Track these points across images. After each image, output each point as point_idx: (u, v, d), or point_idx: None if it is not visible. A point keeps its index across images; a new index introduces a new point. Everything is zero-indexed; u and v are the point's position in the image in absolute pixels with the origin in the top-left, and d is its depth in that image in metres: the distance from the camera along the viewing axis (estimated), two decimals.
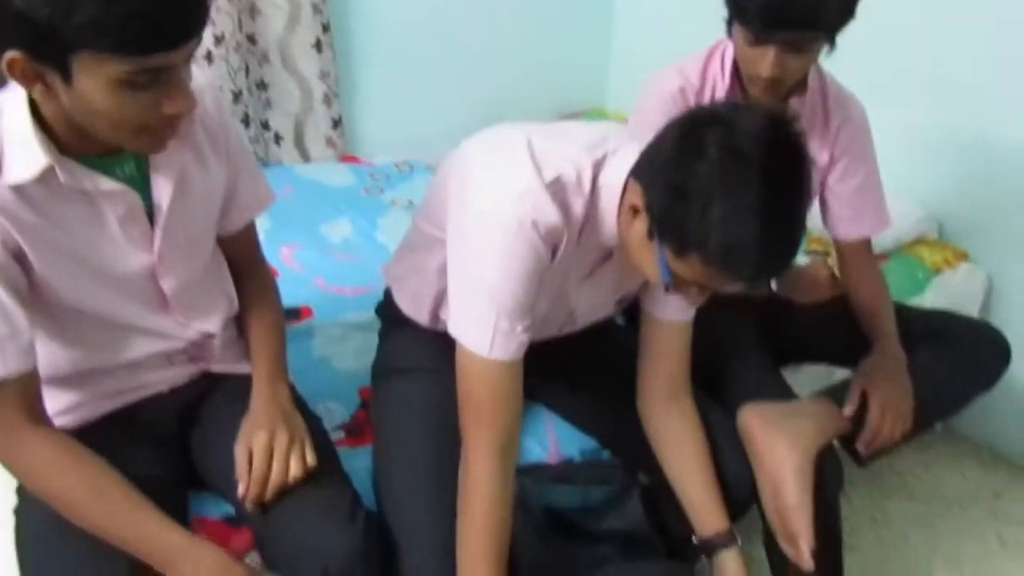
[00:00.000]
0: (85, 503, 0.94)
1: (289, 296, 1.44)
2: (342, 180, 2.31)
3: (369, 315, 1.49)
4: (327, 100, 2.36)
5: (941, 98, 2.05)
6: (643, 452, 1.26)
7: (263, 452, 1.02)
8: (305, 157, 2.42)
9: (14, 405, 0.94)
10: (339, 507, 1.04)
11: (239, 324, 1.21)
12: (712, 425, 1.27)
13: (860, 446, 1.31)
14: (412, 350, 1.28)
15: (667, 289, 1.00)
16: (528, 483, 1.24)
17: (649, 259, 0.98)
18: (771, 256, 0.90)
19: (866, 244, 1.53)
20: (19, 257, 0.92)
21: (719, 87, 1.39)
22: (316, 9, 2.23)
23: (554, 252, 1.03)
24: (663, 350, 1.22)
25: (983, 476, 2.08)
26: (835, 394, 1.34)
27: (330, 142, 2.43)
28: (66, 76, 0.81)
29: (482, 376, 1.05)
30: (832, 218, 1.52)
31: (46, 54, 0.80)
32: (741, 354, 1.44)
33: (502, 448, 1.05)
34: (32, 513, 1.00)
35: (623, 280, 1.21)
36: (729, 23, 1.28)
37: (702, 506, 1.20)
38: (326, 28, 2.27)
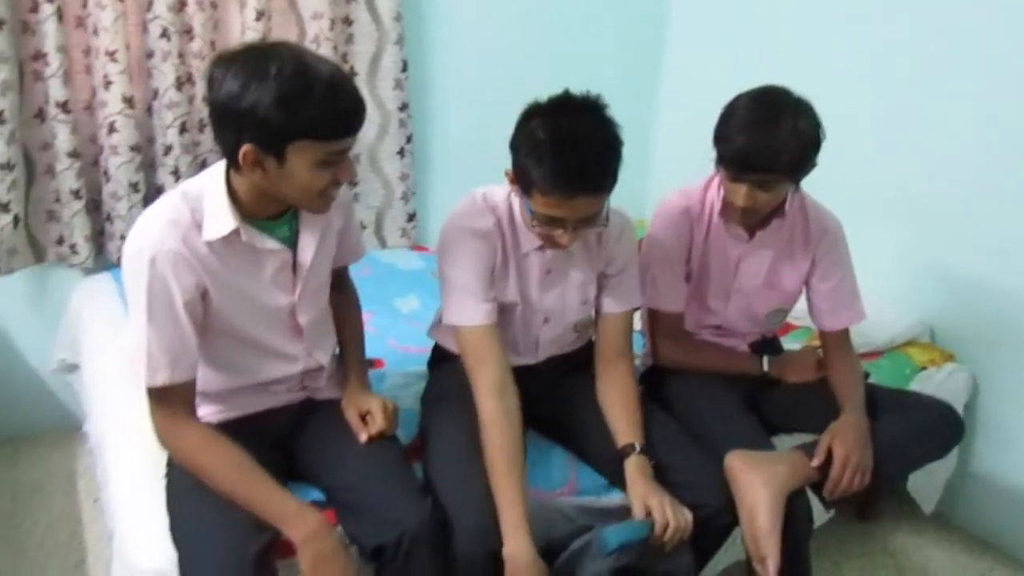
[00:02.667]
0: (225, 475, 1.28)
1: (366, 351, 1.82)
2: (412, 265, 2.72)
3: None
4: (405, 197, 2.80)
5: (935, 226, 2.36)
6: None
7: (380, 409, 1.47)
8: (383, 244, 2.84)
9: (179, 403, 1.31)
10: (412, 488, 1.39)
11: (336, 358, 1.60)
12: (702, 464, 1.58)
13: (825, 492, 1.58)
14: (447, 381, 1.64)
15: (533, 225, 1.48)
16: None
17: (526, 212, 1.47)
18: (571, 174, 1.36)
19: (844, 333, 1.82)
20: (203, 294, 1.30)
21: (714, 209, 1.75)
22: (402, 123, 2.70)
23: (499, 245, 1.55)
24: (604, 333, 1.69)
25: (970, 561, 2.27)
26: (808, 449, 1.62)
27: (404, 233, 2.85)
28: (280, 159, 1.20)
29: (466, 338, 1.52)
30: (815, 312, 1.84)
31: (271, 145, 1.19)
32: (732, 416, 1.73)
33: (497, 387, 1.47)
34: (175, 476, 1.36)
35: (576, 281, 1.63)
36: (717, 163, 1.64)
37: (619, 428, 1.58)
38: (409, 139, 2.74)
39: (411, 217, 2.84)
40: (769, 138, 1.51)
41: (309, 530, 1.25)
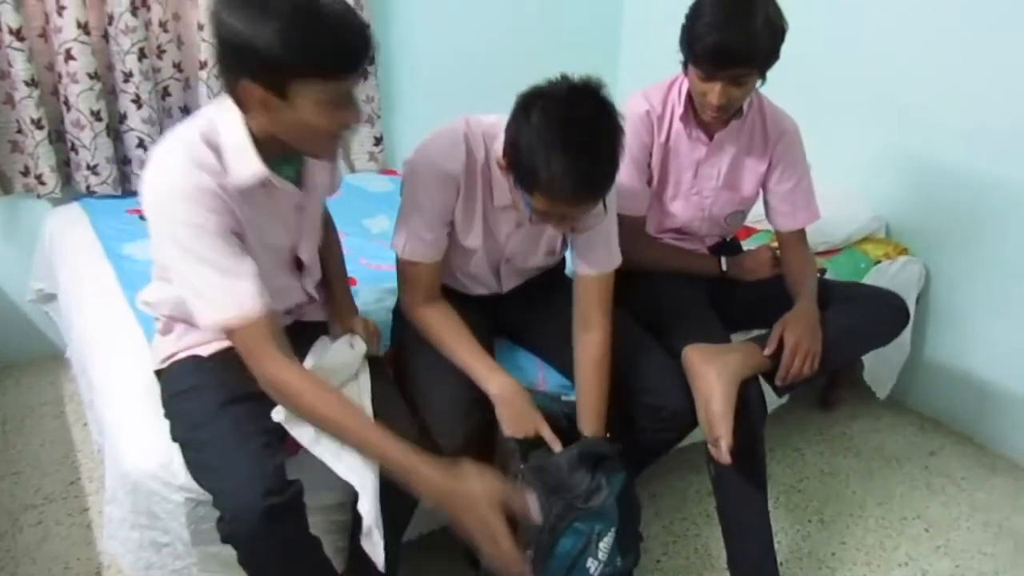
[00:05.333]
0: (337, 424, 1.26)
1: None
2: (382, 187, 2.75)
3: None
4: (371, 121, 2.81)
5: (892, 121, 2.43)
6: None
7: (363, 329, 1.52)
8: (351, 168, 2.86)
9: (266, 340, 1.23)
10: (403, 414, 1.45)
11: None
12: (664, 368, 1.65)
13: (777, 380, 1.67)
14: None
15: (532, 220, 1.42)
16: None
17: (519, 201, 1.41)
18: (583, 180, 1.29)
19: (800, 233, 1.89)
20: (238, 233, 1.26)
21: (676, 111, 1.78)
22: None
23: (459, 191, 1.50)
24: (578, 296, 1.61)
25: (922, 439, 2.42)
26: (761, 340, 1.70)
27: (372, 156, 2.87)
28: (284, 98, 1.15)
29: (406, 267, 1.55)
30: (772, 213, 1.89)
31: (273, 82, 1.14)
32: (692, 313, 1.81)
33: (426, 299, 1.56)
34: (175, 400, 1.38)
35: (543, 233, 1.64)
36: (685, 64, 1.66)
37: (583, 415, 1.56)
38: (372, 60, 2.72)
39: (378, 140, 2.85)
40: (745, 31, 1.52)
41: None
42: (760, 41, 1.53)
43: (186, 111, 2.57)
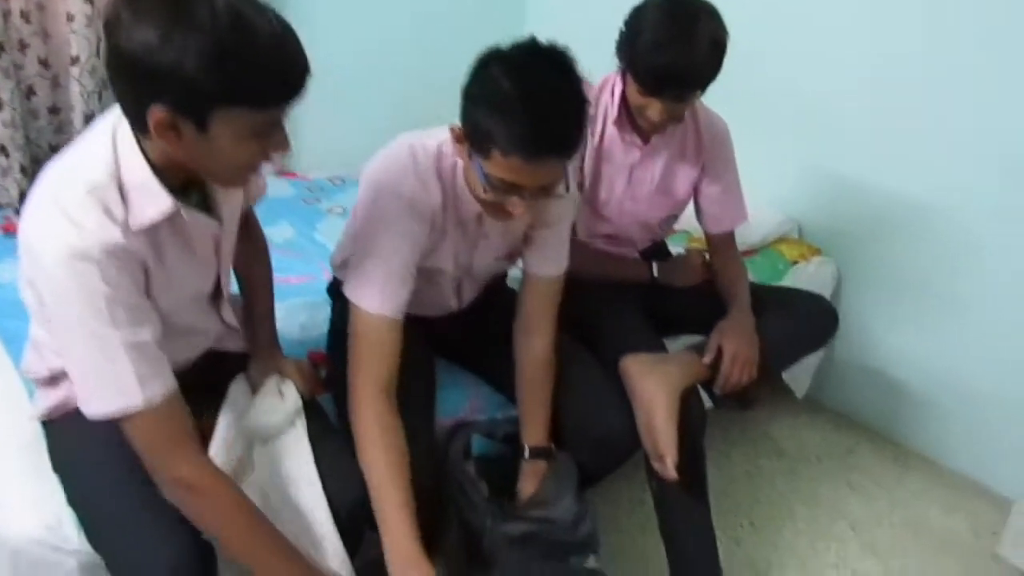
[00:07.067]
0: (242, 547, 1.10)
1: None
2: (282, 192, 2.57)
3: (310, 298, 1.82)
4: None
5: (802, 127, 2.45)
6: None
7: (298, 373, 1.37)
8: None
9: (173, 429, 1.06)
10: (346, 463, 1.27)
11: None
12: (599, 388, 1.57)
13: (716, 388, 1.63)
14: None
15: (484, 191, 1.27)
16: (460, 437, 1.54)
17: (474, 176, 1.27)
18: (545, 135, 1.18)
19: (730, 235, 1.86)
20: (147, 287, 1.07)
21: (609, 114, 1.69)
22: None
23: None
24: (527, 297, 1.54)
25: (839, 437, 2.46)
26: (699, 348, 1.66)
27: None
28: (202, 127, 0.94)
29: (365, 323, 1.30)
30: (704, 216, 1.85)
31: (190, 109, 0.93)
32: (626, 321, 1.75)
33: (380, 390, 1.28)
34: (69, 459, 1.19)
35: (502, 239, 1.50)
36: (623, 71, 1.57)
37: (527, 424, 1.51)
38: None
39: None
40: (690, 54, 1.44)
41: None
42: (707, 63, 1.47)
43: (55, 111, 2.32)
